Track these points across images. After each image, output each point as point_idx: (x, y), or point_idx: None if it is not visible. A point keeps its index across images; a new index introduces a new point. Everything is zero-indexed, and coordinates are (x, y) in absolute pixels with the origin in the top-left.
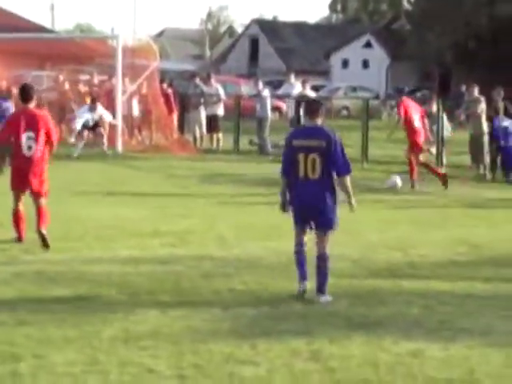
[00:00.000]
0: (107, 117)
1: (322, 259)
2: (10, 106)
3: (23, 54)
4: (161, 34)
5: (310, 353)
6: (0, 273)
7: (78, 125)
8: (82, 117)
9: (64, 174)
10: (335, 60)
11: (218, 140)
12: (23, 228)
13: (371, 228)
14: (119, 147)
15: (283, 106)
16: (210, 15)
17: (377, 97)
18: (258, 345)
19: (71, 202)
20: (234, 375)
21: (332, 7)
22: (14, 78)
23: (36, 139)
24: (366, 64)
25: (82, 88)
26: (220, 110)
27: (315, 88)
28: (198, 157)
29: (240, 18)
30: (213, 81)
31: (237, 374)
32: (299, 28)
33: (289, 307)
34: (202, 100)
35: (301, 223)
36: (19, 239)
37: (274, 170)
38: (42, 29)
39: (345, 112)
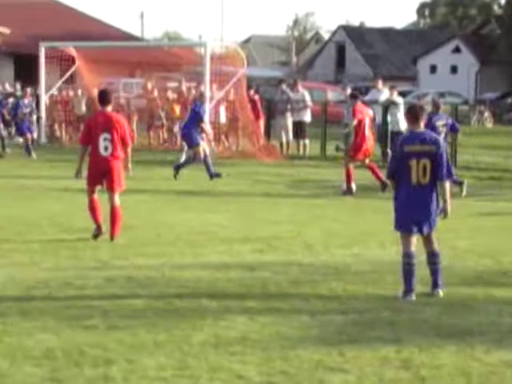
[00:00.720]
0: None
1: (433, 255)
2: None
3: (114, 62)
4: (248, 40)
5: (400, 361)
6: (92, 278)
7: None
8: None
9: (151, 181)
10: (423, 65)
11: (304, 146)
12: (99, 215)
13: (459, 234)
14: None
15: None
16: (296, 22)
17: (466, 102)
18: (347, 352)
19: (163, 208)
20: (324, 382)
21: (420, 12)
22: (105, 86)
23: (111, 140)
24: (454, 69)
25: (171, 95)
26: (307, 117)
27: (402, 94)
28: (285, 163)
29: (326, 25)
30: (299, 87)
31: (326, 381)
32: (386, 34)
33: (377, 314)
34: (289, 106)
35: (409, 228)
36: (98, 228)
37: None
38: (131, 37)
39: None
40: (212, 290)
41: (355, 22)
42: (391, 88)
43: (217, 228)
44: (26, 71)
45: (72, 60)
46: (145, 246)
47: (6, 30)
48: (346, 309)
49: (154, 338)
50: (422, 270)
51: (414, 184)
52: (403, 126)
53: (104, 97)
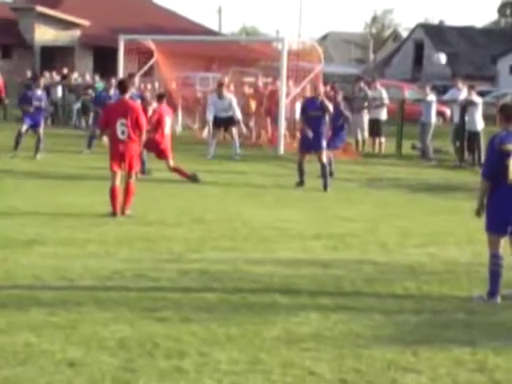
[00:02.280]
0: (237, 114)
1: None
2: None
3: (191, 56)
4: (325, 37)
5: (475, 363)
6: (166, 270)
7: (210, 115)
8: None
9: (227, 175)
10: (503, 65)
11: (380, 144)
12: (118, 203)
13: None
14: (281, 149)
15: (447, 111)
16: (374, 19)
17: None
18: (420, 352)
19: (237, 202)
20: (397, 382)
21: (501, 11)
22: (182, 80)
23: (127, 125)
24: None
25: (247, 90)
26: (383, 115)
27: (481, 93)
28: (360, 160)
29: (405, 22)
30: (377, 84)
31: (399, 381)
32: (465, 32)
33: (451, 315)
34: (366, 104)
35: (499, 230)
36: (114, 214)
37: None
38: (209, 32)
39: None
40: (285, 285)
41: (434, 20)
42: (470, 87)
43: (290, 224)
44: (104, 63)
45: (150, 53)
46: (218, 240)
47: (85, 22)
48: (421, 309)
49: (226, 331)
50: (506, 272)
51: (510, 184)
52: (480, 126)
53: (123, 86)
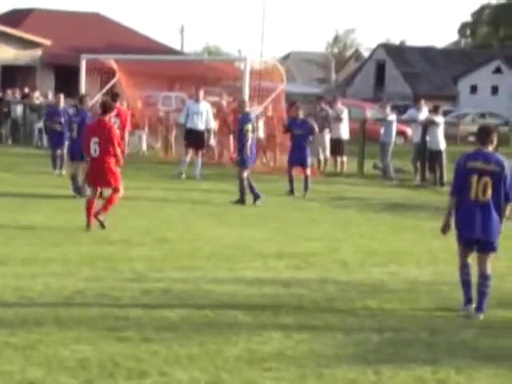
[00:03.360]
0: (211, 123)
1: (483, 278)
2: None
3: (153, 76)
4: (287, 57)
5: (436, 382)
6: (128, 290)
7: (183, 118)
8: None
9: (189, 194)
10: (463, 85)
11: (342, 163)
12: (92, 217)
13: (499, 256)
14: None
15: (408, 130)
16: (336, 38)
17: (506, 123)
18: (383, 371)
19: (198, 222)
20: None
21: (461, 32)
22: (144, 99)
23: (99, 143)
24: (495, 90)
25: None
26: (345, 134)
27: (442, 113)
28: (322, 179)
29: (366, 42)
30: (339, 103)
31: None
32: (427, 52)
33: (413, 334)
34: (327, 123)
35: (465, 244)
36: (87, 226)
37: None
38: (172, 51)
39: (472, 138)
40: (247, 305)
41: (395, 41)
42: (435, 108)
43: (252, 243)
44: (66, 82)
45: (112, 73)
46: (181, 260)
47: (46, 42)
48: (382, 327)
49: (188, 351)
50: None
51: (472, 201)
52: (443, 145)
53: (104, 107)
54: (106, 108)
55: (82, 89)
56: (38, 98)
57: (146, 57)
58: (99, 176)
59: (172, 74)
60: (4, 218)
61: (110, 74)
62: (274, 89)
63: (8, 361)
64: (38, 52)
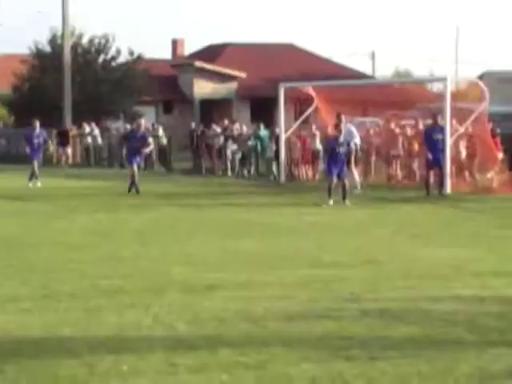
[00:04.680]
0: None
1: None
2: None
3: (349, 102)
4: (481, 76)
5: None
6: (348, 310)
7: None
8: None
9: (395, 216)
10: None
11: None
12: None
13: None
14: (447, 188)
15: None
16: None
17: None
18: None
19: (408, 243)
20: None
21: None
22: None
23: None
24: None
25: (409, 131)
26: None
27: None
28: None
29: None
30: None
31: None
32: None
33: None
34: None
35: None
36: None
37: None
38: (363, 76)
39: None
40: (470, 323)
41: None
42: None
43: (464, 262)
44: (261, 113)
45: (309, 100)
46: (393, 280)
47: (241, 74)
48: None
49: (417, 369)
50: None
51: None
52: None
53: None
54: None
55: (281, 117)
56: (237, 129)
57: (344, 82)
58: None
59: (365, 100)
60: (215, 244)
61: (305, 102)
62: (473, 108)
63: (239, 380)
64: (234, 85)
